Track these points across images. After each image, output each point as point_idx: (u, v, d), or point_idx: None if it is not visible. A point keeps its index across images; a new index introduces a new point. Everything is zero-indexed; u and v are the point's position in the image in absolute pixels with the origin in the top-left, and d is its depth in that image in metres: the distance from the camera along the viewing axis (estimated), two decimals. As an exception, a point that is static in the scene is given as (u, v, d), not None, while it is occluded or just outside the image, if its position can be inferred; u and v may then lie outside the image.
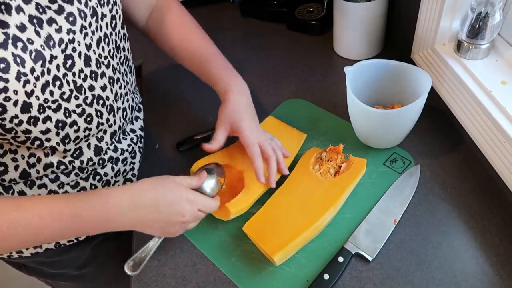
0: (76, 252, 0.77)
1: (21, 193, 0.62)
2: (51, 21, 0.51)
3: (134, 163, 0.76)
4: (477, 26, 0.68)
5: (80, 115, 0.58)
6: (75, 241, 0.74)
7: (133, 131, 0.75)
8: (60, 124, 0.56)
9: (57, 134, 0.56)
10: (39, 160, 0.59)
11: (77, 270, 0.81)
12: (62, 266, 0.78)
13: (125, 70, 0.69)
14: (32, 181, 0.62)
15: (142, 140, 0.79)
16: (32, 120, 0.52)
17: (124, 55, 0.68)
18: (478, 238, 0.61)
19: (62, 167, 0.61)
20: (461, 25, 0.70)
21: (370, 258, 0.61)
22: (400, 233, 0.63)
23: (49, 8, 0.51)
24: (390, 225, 0.64)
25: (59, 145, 0.58)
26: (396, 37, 0.95)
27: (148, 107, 0.90)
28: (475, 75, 0.68)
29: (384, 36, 0.93)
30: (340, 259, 0.60)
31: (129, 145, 0.72)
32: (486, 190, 0.67)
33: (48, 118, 0.54)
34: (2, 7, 0.46)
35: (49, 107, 0.53)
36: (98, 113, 0.62)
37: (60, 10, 0.52)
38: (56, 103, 0.54)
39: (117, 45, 0.65)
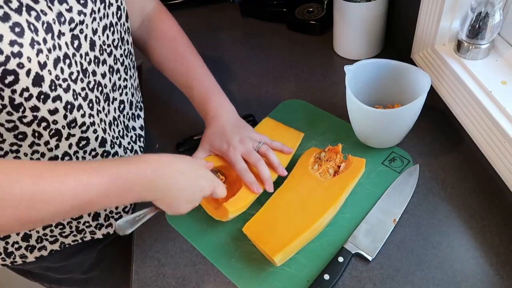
0: (81, 257, 0.77)
1: None
2: (62, 1, 0.52)
3: None
4: (477, 26, 0.68)
5: (84, 99, 0.58)
6: (80, 241, 0.73)
7: (134, 128, 0.75)
8: (69, 106, 0.55)
9: (65, 117, 0.55)
10: (43, 155, 0.58)
11: (83, 274, 0.80)
12: (68, 270, 0.78)
13: (128, 64, 0.69)
14: None
15: (142, 139, 0.79)
16: (42, 96, 0.51)
17: (128, 48, 0.69)
18: (478, 238, 0.62)
19: (67, 158, 0.60)
20: (461, 25, 0.70)
21: (370, 258, 0.61)
22: (400, 233, 0.63)
23: None
24: (390, 224, 0.64)
25: (64, 128, 0.57)
26: (396, 37, 0.95)
27: (148, 107, 0.90)
28: (475, 75, 0.68)
29: (384, 36, 0.93)
30: (340, 259, 0.60)
31: (128, 143, 0.72)
32: (486, 190, 0.67)
33: (58, 98, 0.53)
34: None
35: (60, 86, 0.53)
36: (97, 100, 0.62)
37: None
38: (66, 83, 0.54)
39: (122, 36, 0.66)
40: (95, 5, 0.57)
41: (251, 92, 0.92)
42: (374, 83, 0.75)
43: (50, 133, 0.56)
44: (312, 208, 0.63)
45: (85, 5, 0.55)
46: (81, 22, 0.55)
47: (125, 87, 0.70)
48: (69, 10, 0.53)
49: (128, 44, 0.69)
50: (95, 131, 0.62)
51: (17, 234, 0.67)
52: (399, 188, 0.68)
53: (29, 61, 0.47)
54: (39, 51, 0.48)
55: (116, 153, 0.68)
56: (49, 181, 0.43)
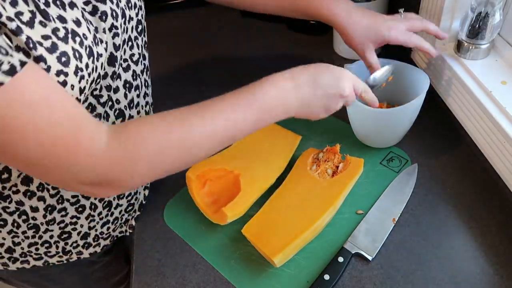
0: (64, 276, 0.75)
1: (19, 203, 0.59)
2: (103, 17, 0.52)
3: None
4: (477, 26, 0.68)
5: (91, 111, 0.57)
6: (65, 261, 0.71)
7: None
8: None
9: None
10: None
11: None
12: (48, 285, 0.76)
13: (145, 80, 0.68)
14: (32, 192, 0.59)
15: None
16: None
17: (145, 64, 0.67)
18: (478, 238, 0.61)
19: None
20: (461, 25, 0.70)
21: (370, 258, 0.61)
22: (400, 233, 0.63)
23: (84, 10, 0.51)
24: (389, 224, 0.64)
25: None
26: (396, 37, 0.94)
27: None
28: (475, 75, 0.68)
29: (384, 36, 0.93)
30: (340, 259, 0.60)
31: None
32: (486, 190, 0.67)
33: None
34: (58, 2, 0.46)
35: (91, 105, 0.54)
36: (105, 115, 0.60)
37: (94, 11, 0.52)
38: (88, 102, 0.54)
39: (142, 52, 0.64)
40: (116, 21, 0.55)
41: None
42: (374, 83, 0.75)
43: None
44: (311, 208, 0.63)
45: (105, 21, 0.54)
46: (106, 41, 0.54)
47: (146, 104, 0.68)
48: (96, 30, 0.52)
49: (146, 59, 0.67)
50: None
51: (1, 246, 0.64)
52: (398, 187, 0.68)
53: (72, 89, 0.47)
54: (81, 78, 0.48)
55: None
56: (200, 127, 0.49)
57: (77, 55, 0.47)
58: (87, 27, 0.49)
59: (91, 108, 0.56)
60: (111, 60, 0.56)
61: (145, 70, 0.67)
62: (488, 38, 0.69)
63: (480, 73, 0.68)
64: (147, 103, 0.70)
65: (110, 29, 0.54)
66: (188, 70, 1.00)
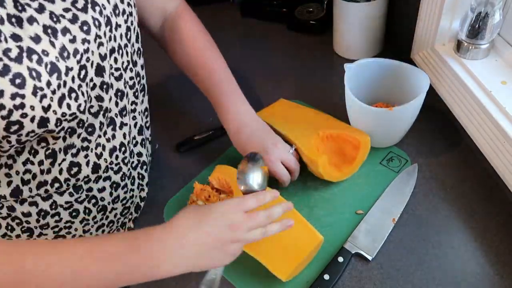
0: None
1: (11, 208, 0.58)
2: (65, 31, 0.49)
3: (133, 190, 0.70)
4: (477, 26, 0.68)
5: (82, 125, 0.56)
6: None
7: (139, 154, 0.71)
8: (69, 130, 0.54)
9: (64, 139, 0.54)
10: (34, 176, 0.56)
11: None
12: None
13: (138, 87, 0.67)
14: (24, 198, 0.58)
15: (146, 168, 0.73)
16: (47, 131, 0.50)
17: (136, 70, 0.65)
18: (478, 238, 0.61)
19: (57, 184, 0.58)
20: (461, 25, 0.70)
21: (369, 258, 0.61)
22: (400, 233, 0.63)
23: (64, 17, 0.49)
24: (389, 224, 0.64)
25: (60, 152, 0.55)
26: (396, 37, 0.95)
27: (149, 107, 0.90)
28: (475, 75, 0.68)
29: (384, 36, 0.93)
30: (340, 259, 0.60)
31: (128, 170, 0.67)
32: (486, 190, 0.67)
33: (62, 129, 0.52)
34: (13, 20, 0.44)
35: (66, 120, 0.51)
36: (102, 126, 0.59)
37: (74, 19, 0.50)
38: (73, 116, 0.51)
39: (133, 59, 0.63)
40: (99, 30, 0.53)
41: (251, 92, 0.92)
42: (373, 83, 0.75)
43: (47, 153, 0.55)
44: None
45: (88, 31, 0.51)
46: (86, 51, 0.51)
47: (134, 111, 0.67)
48: (73, 40, 0.49)
49: (136, 66, 0.66)
50: (87, 163, 0.59)
51: None
52: (398, 187, 0.68)
53: (33, 109, 0.46)
54: (43, 97, 0.46)
55: (108, 178, 0.63)
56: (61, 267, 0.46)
57: (34, 74, 0.45)
58: (51, 42, 0.47)
59: (82, 123, 0.55)
60: (99, 71, 0.54)
61: (137, 77, 0.66)
62: (488, 38, 0.69)
63: (480, 73, 0.69)
64: (141, 110, 0.69)
65: (94, 40, 0.52)
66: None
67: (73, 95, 0.50)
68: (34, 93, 0.45)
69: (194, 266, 0.51)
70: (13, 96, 0.44)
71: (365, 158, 0.70)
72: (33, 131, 0.48)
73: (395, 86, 0.74)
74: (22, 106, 0.45)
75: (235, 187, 0.67)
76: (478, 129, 0.67)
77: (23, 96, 0.44)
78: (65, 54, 0.48)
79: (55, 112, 0.48)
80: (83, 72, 0.52)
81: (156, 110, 0.91)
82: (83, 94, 0.52)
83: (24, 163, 0.54)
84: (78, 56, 0.50)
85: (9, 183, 0.56)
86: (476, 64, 0.70)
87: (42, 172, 0.56)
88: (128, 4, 0.59)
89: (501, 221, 0.63)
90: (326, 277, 0.58)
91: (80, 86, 0.51)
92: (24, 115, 0.46)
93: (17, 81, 0.44)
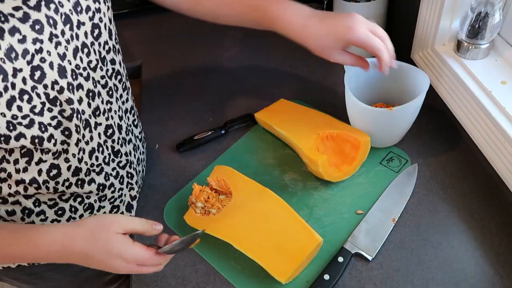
0: (48, 277, 0.74)
1: None
2: (14, 31, 0.46)
3: (122, 189, 0.69)
4: (477, 26, 0.68)
5: (56, 127, 0.53)
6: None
7: (126, 154, 0.69)
8: (36, 140, 0.51)
9: (36, 149, 0.53)
10: (9, 175, 0.55)
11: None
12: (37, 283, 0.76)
13: (114, 85, 0.64)
14: (4, 198, 0.57)
15: (133, 166, 0.71)
16: (2, 138, 0.48)
17: (113, 68, 0.63)
18: (478, 238, 0.61)
19: (35, 185, 0.56)
20: (461, 25, 0.70)
21: (369, 258, 0.61)
22: (400, 233, 0.63)
23: (13, 16, 0.46)
24: (389, 224, 0.64)
25: (36, 151, 0.54)
26: (396, 37, 0.94)
27: (148, 107, 0.90)
28: (475, 75, 0.68)
29: (384, 36, 0.93)
30: (340, 259, 0.60)
31: (113, 169, 0.66)
32: (486, 190, 0.67)
33: (21, 135, 0.50)
34: None
35: (19, 124, 0.49)
36: (78, 128, 0.56)
37: (25, 18, 0.47)
38: (28, 118, 0.50)
39: (102, 56, 0.60)
40: (55, 28, 0.50)
41: (251, 92, 0.92)
42: (373, 83, 0.75)
43: (22, 151, 0.54)
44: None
45: (40, 31, 0.48)
46: (38, 51, 0.49)
47: (110, 110, 0.64)
48: (22, 40, 0.47)
49: (114, 64, 0.63)
50: (67, 160, 0.57)
51: None
52: (398, 187, 0.68)
53: None
54: None
55: (92, 180, 0.63)
56: None
57: None
58: None
59: (58, 124, 0.54)
60: (61, 72, 0.52)
61: (113, 74, 0.64)
62: (488, 38, 0.69)
63: (480, 73, 0.69)
64: (119, 108, 0.66)
65: (50, 39, 0.50)
66: (187, 70, 1.00)
67: (26, 97, 0.49)
68: None
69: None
70: None
71: (365, 158, 0.70)
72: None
73: (395, 86, 0.74)
74: None
75: (234, 187, 0.67)
76: (478, 129, 0.67)
77: None
78: (13, 55, 0.46)
79: (3, 114, 0.47)
80: (37, 73, 0.49)
81: (156, 110, 0.91)
82: (39, 96, 0.50)
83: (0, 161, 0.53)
84: (29, 57, 0.48)
85: None
86: (476, 64, 0.70)
87: (17, 171, 0.55)
88: (95, 1, 0.57)
89: (501, 221, 0.63)
90: (326, 277, 0.58)
91: (34, 87, 0.49)
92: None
93: None
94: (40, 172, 0.56)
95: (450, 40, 0.76)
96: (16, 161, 0.54)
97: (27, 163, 0.55)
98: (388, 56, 0.63)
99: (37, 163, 0.55)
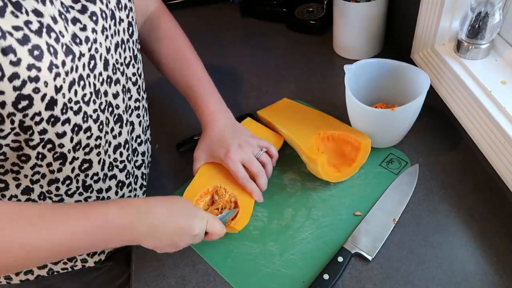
0: (68, 285, 0.74)
1: None
2: (75, 21, 0.50)
3: (136, 189, 0.71)
4: (477, 26, 0.68)
5: (95, 121, 0.55)
6: (70, 269, 0.70)
7: (143, 154, 0.71)
8: (76, 129, 0.53)
9: (71, 140, 0.53)
10: (43, 176, 0.56)
11: None
12: None
13: (141, 84, 0.67)
14: (34, 200, 0.58)
15: (145, 167, 0.74)
16: (52, 119, 0.49)
17: (140, 67, 0.66)
18: (478, 238, 0.61)
19: (68, 182, 0.58)
20: (461, 25, 0.70)
21: (369, 258, 0.61)
22: (400, 233, 0.63)
23: (73, 8, 0.50)
24: (390, 224, 0.64)
25: (69, 152, 0.54)
26: (396, 37, 0.95)
27: (148, 107, 0.90)
28: (475, 75, 0.68)
29: (384, 36, 0.93)
30: (340, 259, 0.60)
31: (132, 168, 0.68)
32: (486, 190, 0.67)
33: (67, 121, 0.51)
34: None
35: (71, 108, 0.50)
36: (107, 121, 0.58)
37: (83, 10, 0.51)
38: (78, 105, 0.51)
39: (135, 54, 0.63)
40: (106, 22, 0.54)
41: (251, 92, 0.92)
42: (374, 83, 0.75)
43: (55, 156, 0.54)
44: None
45: (96, 22, 0.52)
46: (95, 41, 0.52)
47: (137, 108, 0.66)
48: (83, 28, 0.50)
49: (140, 63, 0.66)
50: (98, 154, 0.59)
51: None
52: (399, 188, 0.68)
53: (46, 86, 0.46)
54: (57, 75, 0.46)
55: (114, 176, 0.64)
56: (34, 232, 0.45)
57: (51, 50, 0.45)
58: (65, 26, 0.48)
59: (97, 117, 0.55)
60: (105, 64, 0.55)
61: (141, 73, 0.66)
62: (488, 38, 0.69)
63: (480, 73, 0.69)
64: (143, 106, 0.69)
65: (102, 31, 0.53)
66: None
67: (82, 83, 0.51)
68: (50, 69, 0.46)
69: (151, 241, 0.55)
70: (30, 67, 0.44)
71: (365, 160, 0.70)
72: (39, 113, 0.47)
73: (395, 86, 0.74)
74: (36, 79, 0.45)
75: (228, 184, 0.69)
76: (478, 129, 0.67)
77: (39, 69, 0.45)
78: (77, 40, 0.49)
79: (64, 95, 0.48)
80: (92, 62, 0.52)
81: (156, 110, 0.91)
82: (89, 85, 0.52)
83: (32, 167, 0.54)
84: (89, 44, 0.51)
85: (18, 185, 0.56)
86: (476, 64, 0.70)
87: (52, 172, 0.56)
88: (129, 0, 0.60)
89: (501, 221, 0.63)
90: (326, 276, 0.58)
91: (88, 75, 0.52)
92: (36, 90, 0.45)
93: (35, 52, 0.44)
94: (73, 169, 0.57)
95: (450, 40, 0.76)
96: (49, 164, 0.54)
97: (61, 164, 0.55)
98: (252, 191, 0.67)
99: (71, 162, 0.56)
